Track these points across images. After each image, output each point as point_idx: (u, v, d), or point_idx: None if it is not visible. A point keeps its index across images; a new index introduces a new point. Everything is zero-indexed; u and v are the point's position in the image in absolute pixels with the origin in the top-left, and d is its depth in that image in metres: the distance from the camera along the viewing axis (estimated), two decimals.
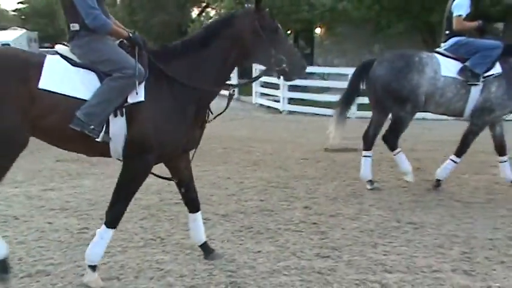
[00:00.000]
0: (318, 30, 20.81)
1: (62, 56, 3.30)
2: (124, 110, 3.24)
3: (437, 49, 5.83)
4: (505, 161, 5.76)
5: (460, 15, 5.56)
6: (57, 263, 3.72)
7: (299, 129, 10.81)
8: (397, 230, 4.39)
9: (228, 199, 5.30)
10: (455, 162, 5.72)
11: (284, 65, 3.49)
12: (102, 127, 3.20)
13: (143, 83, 3.28)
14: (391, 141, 5.72)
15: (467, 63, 5.51)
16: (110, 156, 3.42)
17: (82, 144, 3.26)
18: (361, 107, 12.61)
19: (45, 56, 3.28)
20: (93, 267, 3.37)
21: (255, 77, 4.11)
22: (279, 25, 3.54)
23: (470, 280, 3.44)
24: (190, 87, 3.35)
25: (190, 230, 3.86)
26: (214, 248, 3.90)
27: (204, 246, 3.84)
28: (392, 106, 5.63)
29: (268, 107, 14.62)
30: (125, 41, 3.38)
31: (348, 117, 6.06)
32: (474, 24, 5.66)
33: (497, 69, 5.51)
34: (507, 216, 4.77)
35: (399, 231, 4.36)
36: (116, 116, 3.24)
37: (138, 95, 3.25)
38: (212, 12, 27.40)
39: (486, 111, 5.52)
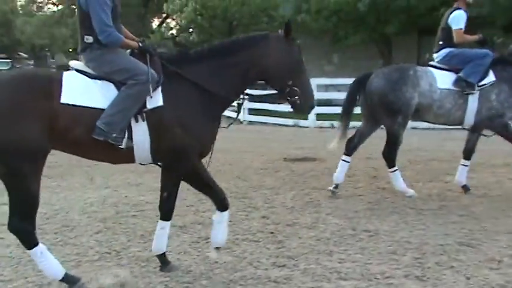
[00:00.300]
0: None
1: (77, 70, 3.50)
2: (144, 115, 3.43)
3: (431, 62, 6.10)
4: (466, 166, 6.07)
5: (460, 29, 5.85)
6: (7, 280, 3.63)
7: (259, 139, 10.89)
8: (352, 238, 4.47)
9: (186, 210, 5.27)
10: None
11: (296, 98, 3.72)
12: (124, 134, 3.38)
13: (159, 88, 3.48)
14: (390, 157, 5.90)
15: (461, 74, 5.76)
16: (134, 162, 3.61)
17: (107, 152, 3.44)
18: (320, 116, 12.88)
19: (62, 72, 3.48)
20: (218, 248, 3.88)
21: (265, 95, 4.20)
22: (303, 59, 3.78)
23: (422, 285, 3.53)
24: (209, 91, 3.58)
25: (154, 238, 3.81)
26: (170, 260, 3.87)
27: (162, 257, 3.80)
28: (385, 118, 5.84)
29: (229, 117, 14.68)
30: (135, 50, 3.59)
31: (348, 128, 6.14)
32: (475, 37, 5.97)
33: (491, 77, 5.76)
34: (458, 222, 4.91)
35: (354, 239, 4.44)
36: (137, 121, 3.43)
37: (156, 100, 3.46)
38: (172, 23, 27.32)
39: (496, 117, 5.76)
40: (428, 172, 7.09)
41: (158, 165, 3.74)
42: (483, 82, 5.74)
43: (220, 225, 3.79)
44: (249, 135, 11.51)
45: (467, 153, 6.07)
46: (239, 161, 8.05)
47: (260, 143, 10.10)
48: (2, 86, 3.26)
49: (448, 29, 5.94)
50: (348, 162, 6.01)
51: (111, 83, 3.45)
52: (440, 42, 6.00)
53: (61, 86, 3.31)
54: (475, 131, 5.96)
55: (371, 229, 4.69)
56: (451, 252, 4.11)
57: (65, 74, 3.45)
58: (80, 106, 3.31)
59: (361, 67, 12.01)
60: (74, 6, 25.71)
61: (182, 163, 3.60)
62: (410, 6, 15.28)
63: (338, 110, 6.16)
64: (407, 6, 15.22)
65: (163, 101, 3.47)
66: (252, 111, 14.30)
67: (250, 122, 14.05)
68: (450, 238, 4.44)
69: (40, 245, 3.38)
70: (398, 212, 5.25)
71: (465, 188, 6.03)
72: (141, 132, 3.43)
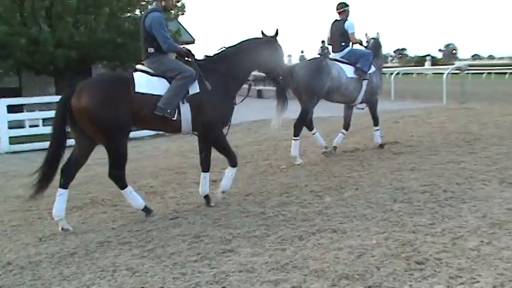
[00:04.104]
0: None
1: (141, 71, 5.52)
2: (187, 99, 5.45)
3: (335, 57, 8.37)
4: (343, 134, 8.66)
5: (353, 33, 8.38)
6: None
7: None
8: None
9: None
10: (378, 129, 8.68)
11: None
12: (175, 111, 5.35)
13: (196, 81, 5.50)
14: (299, 127, 7.86)
15: (358, 65, 8.24)
16: (181, 132, 5.72)
17: (164, 124, 5.48)
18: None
19: (132, 72, 5.55)
20: (224, 192, 5.89)
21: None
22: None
23: None
24: (229, 77, 5.70)
25: (200, 185, 5.85)
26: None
27: (207, 197, 5.79)
28: (305, 98, 7.83)
29: None
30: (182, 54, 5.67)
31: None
32: (359, 39, 8.58)
33: (373, 68, 8.49)
34: None
35: None
36: (183, 103, 5.43)
37: (195, 88, 5.49)
38: None
39: (374, 94, 8.59)
40: None
41: (195, 134, 5.74)
42: (370, 71, 8.36)
43: (230, 176, 5.73)
44: None
45: (347, 126, 8.67)
46: None
47: None
48: (102, 83, 5.46)
49: (346, 34, 8.33)
50: (316, 132, 8.27)
51: (164, 79, 5.41)
52: (343, 44, 8.37)
53: (134, 81, 5.30)
54: (356, 105, 8.53)
55: None
56: None
57: (135, 73, 5.46)
58: (146, 94, 5.28)
59: None
60: None
61: (212, 131, 5.61)
62: None
63: None
64: None
65: (199, 89, 5.46)
66: None
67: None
68: None
69: (129, 186, 5.41)
70: None
71: (328, 152, 8.25)
72: (185, 110, 5.41)
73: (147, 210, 5.46)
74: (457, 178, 6.21)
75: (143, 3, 16.25)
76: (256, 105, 14.67)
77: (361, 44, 8.70)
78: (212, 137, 5.68)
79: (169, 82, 5.38)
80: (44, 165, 5.18)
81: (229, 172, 5.78)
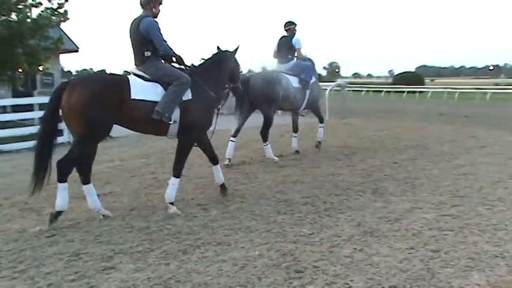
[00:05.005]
0: None
1: (136, 75, 5.72)
2: (179, 104, 5.68)
3: (281, 70, 9.18)
4: (296, 137, 9.75)
5: (300, 48, 9.43)
6: None
7: None
8: None
9: None
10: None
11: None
12: (171, 115, 5.56)
13: (189, 88, 5.78)
14: (265, 134, 8.70)
15: (302, 77, 9.22)
16: (165, 135, 5.83)
17: (154, 127, 5.64)
18: None
19: (127, 76, 5.66)
20: (172, 203, 5.79)
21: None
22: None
23: None
24: (213, 84, 6.10)
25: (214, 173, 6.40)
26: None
27: (223, 186, 6.44)
28: (264, 107, 8.59)
29: None
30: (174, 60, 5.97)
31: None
32: (305, 55, 9.63)
33: (314, 78, 9.55)
34: None
35: None
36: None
37: (188, 95, 5.77)
38: None
39: (316, 101, 9.76)
40: None
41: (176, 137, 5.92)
42: (311, 81, 9.37)
43: (173, 186, 5.87)
44: None
45: (295, 128, 9.77)
46: None
47: None
48: (93, 83, 5.40)
49: (293, 48, 9.35)
50: (234, 142, 8.62)
51: (158, 84, 5.64)
52: (289, 57, 9.37)
53: (130, 85, 5.41)
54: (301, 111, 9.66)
55: None
56: None
57: (130, 77, 5.60)
58: (141, 100, 5.43)
59: None
60: None
61: (189, 134, 5.85)
62: None
63: None
64: None
65: (191, 95, 5.80)
66: None
67: None
68: None
69: (66, 183, 5.39)
70: None
71: (296, 151, 9.60)
72: (176, 115, 5.66)
73: (54, 215, 5.37)
74: (336, 190, 6.64)
75: (20, 7, 15.15)
76: None
77: (305, 59, 9.66)
78: (189, 137, 5.88)
79: (164, 87, 5.63)
80: (35, 163, 5.28)
81: (174, 182, 5.87)
